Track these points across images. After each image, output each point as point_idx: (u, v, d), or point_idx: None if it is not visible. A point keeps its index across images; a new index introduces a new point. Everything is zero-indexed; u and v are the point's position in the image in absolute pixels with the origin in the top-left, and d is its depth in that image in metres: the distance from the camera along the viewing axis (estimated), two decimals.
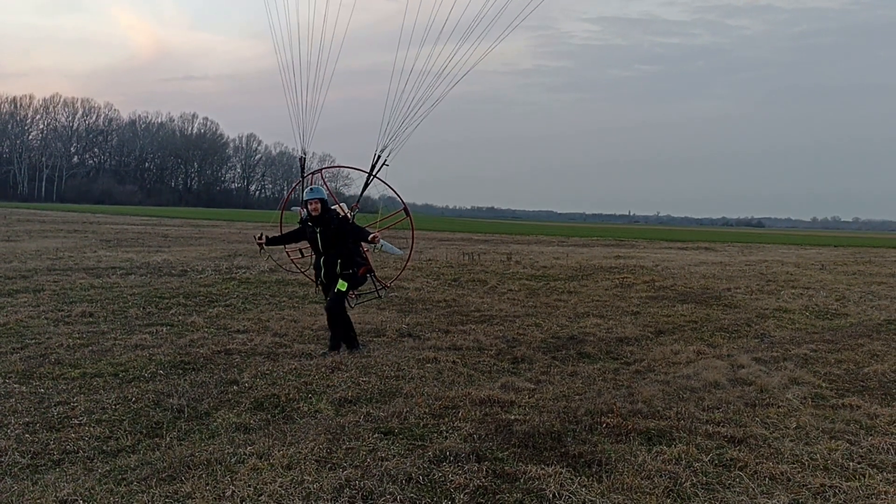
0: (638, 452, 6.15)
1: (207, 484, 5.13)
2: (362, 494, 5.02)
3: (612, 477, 5.57)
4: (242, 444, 6.11)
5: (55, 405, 7.06)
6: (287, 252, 11.32)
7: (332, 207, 10.28)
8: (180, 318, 12.45)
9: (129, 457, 5.81)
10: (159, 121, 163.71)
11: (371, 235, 9.85)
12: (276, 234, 10.54)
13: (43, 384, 7.82)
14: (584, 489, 5.32)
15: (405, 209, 11.66)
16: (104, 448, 6.00)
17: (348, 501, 4.92)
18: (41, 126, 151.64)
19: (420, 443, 6.22)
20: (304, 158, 11.41)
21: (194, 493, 4.96)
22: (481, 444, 6.19)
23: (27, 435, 6.18)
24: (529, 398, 7.88)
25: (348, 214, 10.34)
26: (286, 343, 10.51)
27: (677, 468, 5.80)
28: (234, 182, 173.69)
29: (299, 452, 5.81)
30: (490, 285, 19.69)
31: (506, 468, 5.65)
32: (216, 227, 50.97)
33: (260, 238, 10.23)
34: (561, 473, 5.56)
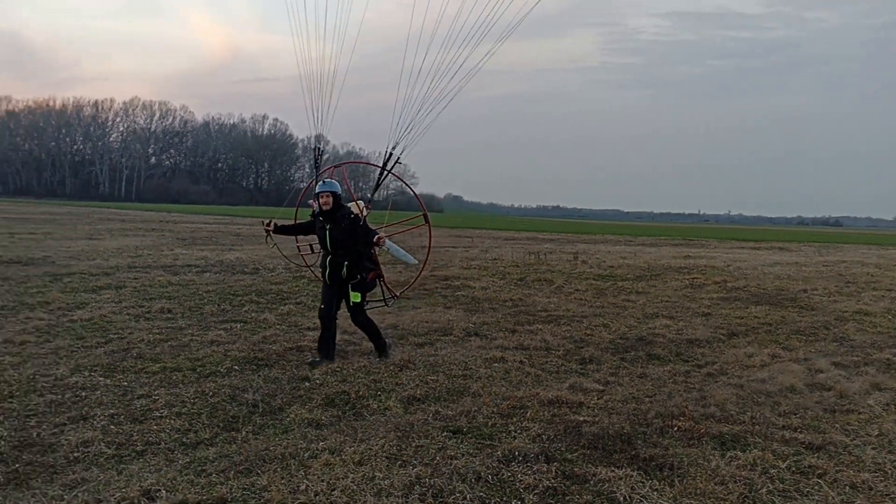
0: (711, 457, 6.04)
1: (282, 478, 5.27)
2: (432, 492, 5.08)
3: (685, 481, 5.48)
4: (315, 439, 6.25)
5: (138, 398, 7.36)
6: (297, 245, 10.82)
7: (348, 205, 9.64)
8: (253, 315, 12.79)
9: (208, 449, 6.01)
10: (231, 122, 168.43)
11: (376, 237, 9.18)
12: (286, 223, 10.07)
13: (126, 377, 8.15)
14: (655, 493, 5.26)
15: (424, 213, 10.79)
16: (184, 440, 6.22)
17: (419, 499, 4.99)
18: (121, 128, 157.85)
19: (489, 442, 6.25)
20: (320, 149, 10.82)
21: (270, 486, 5.10)
22: (550, 445, 6.18)
23: (112, 426, 6.45)
24: (598, 399, 7.82)
25: (362, 213, 9.60)
26: (355, 341, 10.67)
27: (752, 474, 5.67)
28: (302, 181, 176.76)
29: (370, 449, 5.91)
30: (556, 285, 19.56)
31: (575, 469, 5.63)
32: None
33: (268, 224, 9.67)
34: (631, 476, 5.51)
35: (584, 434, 6.50)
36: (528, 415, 7.06)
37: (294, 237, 10.25)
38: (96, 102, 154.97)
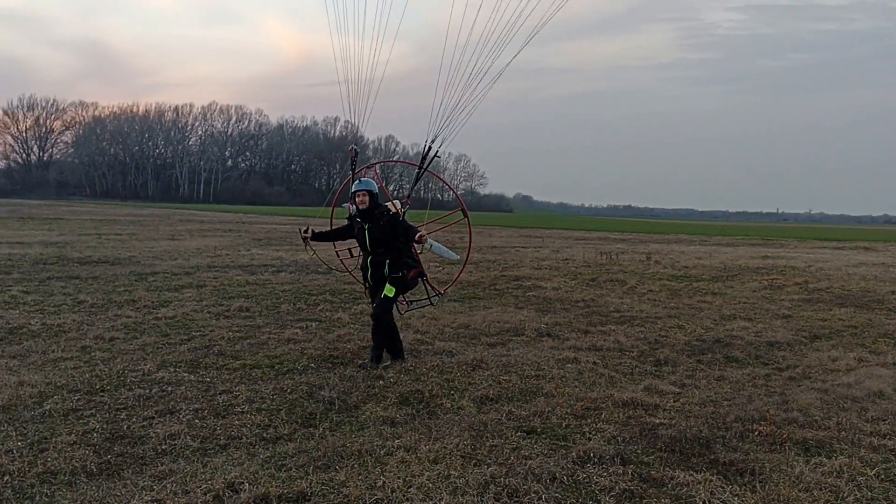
0: (794, 463, 5.85)
1: (360, 473, 5.37)
2: (507, 491, 5.09)
3: (767, 487, 5.34)
4: (390, 436, 6.34)
5: (220, 393, 7.61)
6: (336, 251, 10.54)
7: (384, 204, 9.37)
8: (327, 314, 13.04)
9: (287, 444, 6.16)
10: (304, 125, 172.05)
11: (418, 234, 8.87)
12: (323, 230, 9.80)
13: (208, 374, 8.44)
14: (736, 498, 5.14)
15: (463, 209, 10.65)
16: (264, 435, 6.40)
17: (494, 498, 5.01)
18: (199, 132, 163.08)
19: (563, 443, 6.22)
20: (356, 150, 10.40)
21: (348, 481, 5.20)
22: (626, 447, 6.10)
23: (197, 420, 6.69)
24: (674, 402, 7.68)
25: (400, 211, 9.36)
26: (427, 340, 10.77)
27: (839, 482, 5.47)
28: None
29: (445, 447, 5.96)
30: (629, 285, 19.27)
31: (652, 472, 5.54)
32: None
33: (306, 232, 9.43)
34: (711, 481, 5.39)
35: (661, 437, 6.39)
36: (602, 416, 7.00)
37: (332, 243, 10.11)
38: (177, 108, 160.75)
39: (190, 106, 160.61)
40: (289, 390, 7.78)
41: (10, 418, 6.55)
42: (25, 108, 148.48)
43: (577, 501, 5.04)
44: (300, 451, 5.95)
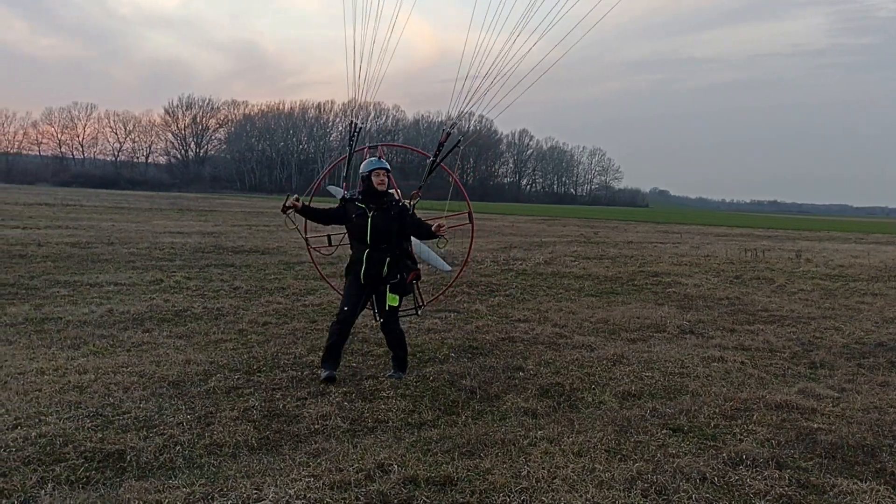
0: None
1: (504, 462, 5.43)
2: (655, 489, 4.98)
3: None
4: (532, 427, 6.35)
5: (366, 378, 7.90)
6: (305, 237, 9.16)
7: (390, 191, 8.04)
8: (465, 305, 13.22)
9: (431, 430, 6.31)
10: (439, 120, 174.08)
11: (435, 225, 7.64)
12: (318, 207, 8.33)
13: (354, 359, 8.78)
14: None
15: (469, 213, 9.27)
16: (409, 420, 6.59)
17: (641, 494, 4.92)
18: (340, 128, 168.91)
19: (712, 443, 6.01)
20: (358, 125, 9.02)
21: (493, 469, 5.27)
22: (781, 451, 5.82)
23: (346, 403, 6.98)
24: (833, 407, 7.22)
25: (409, 204, 8.15)
26: (566, 334, 10.69)
27: None
28: (506, 177, 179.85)
29: (588, 441, 5.91)
30: (777, 284, 18.28)
31: (811, 479, 5.26)
32: (490, 220, 53.11)
33: (297, 200, 7.95)
34: (878, 491, 5.05)
35: (820, 442, 6.04)
36: (753, 418, 6.69)
37: (305, 224, 8.79)
38: (319, 105, 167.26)
39: (331, 103, 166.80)
40: (431, 378, 7.96)
41: (179, 393, 7.09)
42: (184, 108, 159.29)
43: (730, 503, 4.86)
44: (444, 437, 6.08)
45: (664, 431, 6.28)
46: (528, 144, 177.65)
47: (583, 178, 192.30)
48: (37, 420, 6.12)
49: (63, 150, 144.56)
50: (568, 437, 6.00)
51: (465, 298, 14.01)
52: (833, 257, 27.78)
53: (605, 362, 8.93)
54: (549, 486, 4.99)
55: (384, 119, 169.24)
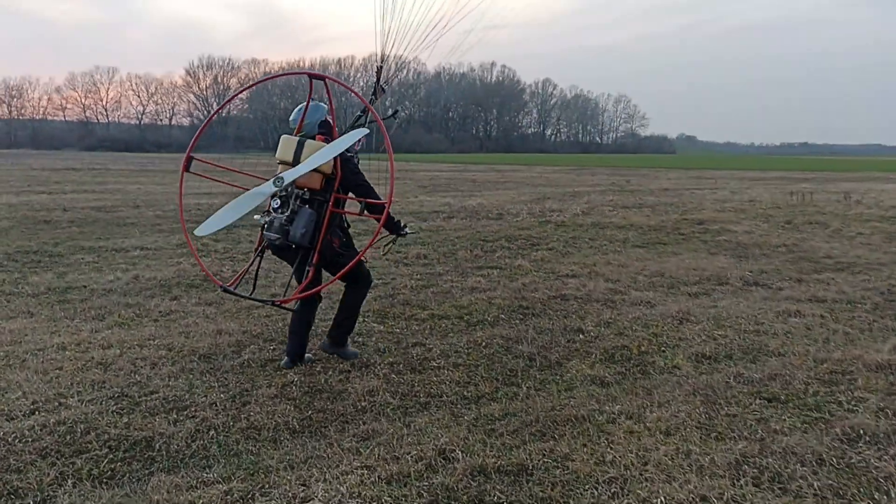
0: None
1: (584, 444, 4.72)
2: (769, 476, 4.25)
3: None
4: (605, 400, 5.64)
5: (412, 346, 7.21)
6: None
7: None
8: (507, 261, 12.45)
9: (491, 405, 5.63)
10: (461, 71, 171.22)
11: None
12: None
13: (397, 324, 8.09)
14: None
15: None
16: (465, 394, 5.90)
17: (752, 482, 4.18)
18: (361, 83, 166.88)
19: (817, 415, 5.25)
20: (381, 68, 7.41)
21: (572, 454, 4.56)
22: None
23: (393, 375, 6.31)
24: None
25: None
26: (621, 289, 9.90)
27: None
28: (530, 127, 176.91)
29: (675, 416, 5.18)
30: (833, 228, 17.29)
31: None
32: (517, 172, 52.03)
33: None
34: None
35: None
36: (857, 383, 5.90)
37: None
38: (339, 60, 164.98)
39: (351, 58, 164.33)
40: (483, 344, 7.25)
41: (211, 368, 6.47)
42: (205, 68, 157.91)
43: (860, 491, 4.11)
44: (508, 414, 5.39)
45: (758, 402, 5.52)
46: (551, 94, 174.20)
47: (608, 126, 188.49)
48: (56, 404, 5.53)
49: (87, 114, 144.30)
50: (650, 412, 5.28)
51: (506, 253, 13.23)
52: (883, 198, 26.52)
53: (669, 320, 8.16)
54: (641, 475, 4.28)
55: (404, 73, 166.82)
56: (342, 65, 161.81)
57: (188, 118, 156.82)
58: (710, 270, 11.37)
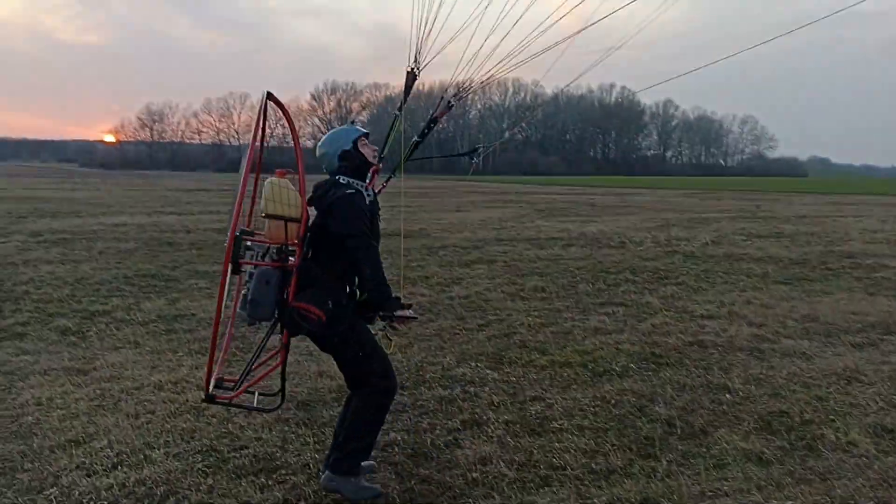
0: None
1: None
2: None
3: None
4: (766, 484, 4.63)
5: (530, 400, 6.38)
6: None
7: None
8: (633, 297, 11.39)
9: (625, 482, 4.73)
10: (579, 93, 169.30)
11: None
12: None
13: (514, 371, 7.28)
14: None
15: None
16: (593, 466, 5.02)
17: None
18: (479, 106, 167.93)
19: None
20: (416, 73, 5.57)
21: None
22: None
23: (509, 438, 5.51)
24: None
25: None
26: (768, 336, 8.69)
27: None
28: (650, 149, 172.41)
29: None
30: None
31: None
32: (638, 196, 50.14)
33: None
34: None
35: None
36: None
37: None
38: (458, 84, 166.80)
39: (470, 82, 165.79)
40: (612, 401, 6.33)
41: (309, 418, 5.91)
42: (329, 92, 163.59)
43: None
44: (646, 499, 4.48)
45: None
46: (672, 115, 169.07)
47: (733, 147, 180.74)
48: (141, 457, 5.07)
49: (220, 137, 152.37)
50: None
51: (632, 288, 12.16)
52: None
53: (834, 379, 6.95)
54: None
55: (522, 95, 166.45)
56: (461, 87, 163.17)
57: (312, 141, 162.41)
58: (873, 315, 9.91)
